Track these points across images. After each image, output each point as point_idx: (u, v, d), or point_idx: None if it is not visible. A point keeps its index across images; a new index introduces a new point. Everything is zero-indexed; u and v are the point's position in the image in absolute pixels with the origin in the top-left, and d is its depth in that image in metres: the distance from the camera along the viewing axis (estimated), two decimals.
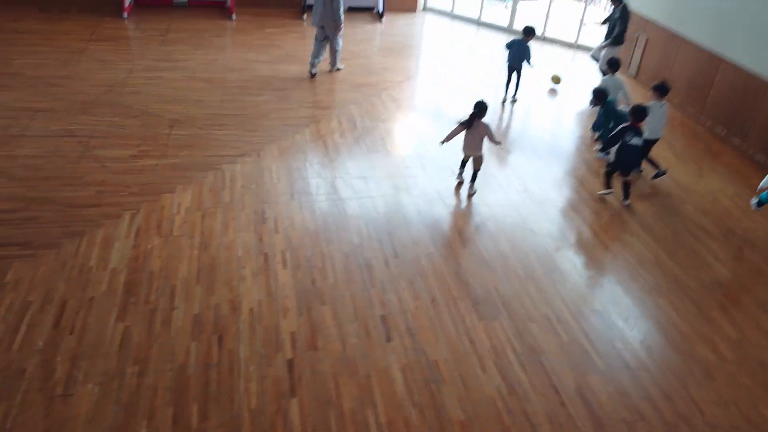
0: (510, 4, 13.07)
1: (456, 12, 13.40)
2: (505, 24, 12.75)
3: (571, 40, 12.02)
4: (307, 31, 11.60)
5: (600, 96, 7.32)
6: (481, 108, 6.20)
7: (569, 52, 11.73)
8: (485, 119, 6.27)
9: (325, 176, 6.47)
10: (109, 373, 3.89)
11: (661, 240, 5.94)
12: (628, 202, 6.49)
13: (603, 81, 7.97)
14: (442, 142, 6.37)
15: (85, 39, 10.01)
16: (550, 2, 12.16)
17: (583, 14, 11.91)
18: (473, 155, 6.43)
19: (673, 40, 9.34)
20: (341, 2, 8.91)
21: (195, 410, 3.69)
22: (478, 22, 13.00)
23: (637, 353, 4.51)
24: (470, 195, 6.42)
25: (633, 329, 4.74)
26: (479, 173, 6.48)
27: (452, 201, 6.20)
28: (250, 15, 12.11)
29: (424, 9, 13.70)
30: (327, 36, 9.07)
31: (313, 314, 4.53)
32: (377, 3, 12.83)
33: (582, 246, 5.73)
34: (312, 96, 8.54)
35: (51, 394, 3.70)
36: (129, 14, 11.42)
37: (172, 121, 7.38)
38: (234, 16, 11.82)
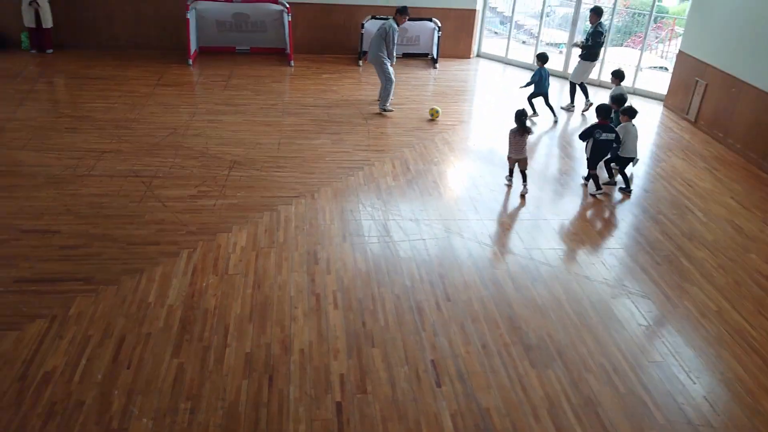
0: (564, 49, 13.09)
1: (509, 57, 13.50)
2: (560, 69, 12.74)
3: (628, 85, 11.90)
4: (363, 76, 11.88)
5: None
6: (524, 114, 7.14)
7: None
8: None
9: (377, 218, 6.52)
10: (162, 408, 3.95)
11: (723, 289, 5.70)
12: (599, 191, 7.36)
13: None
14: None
15: (152, 84, 10.52)
16: (605, 48, 12.12)
17: (640, 60, 11.80)
18: (520, 158, 7.19)
19: (734, 84, 9.14)
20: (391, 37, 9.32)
21: None
22: (532, 68, 13.04)
23: (699, 408, 4.29)
24: (523, 195, 7.18)
25: (695, 383, 4.52)
26: (527, 172, 7.26)
27: (504, 245, 6.13)
28: (308, 61, 12.51)
29: (478, 55, 13.86)
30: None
31: (363, 356, 4.51)
32: (432, 49, 13.06)
33: (640, 294, 5.55)
34: (366, 139, 8.68)
35: (107, 427, 3.78)
36: (194, 61, 11.97)
37: (231, 162, 7.62)
38: (293, 63, 12.23)
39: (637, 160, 8.06)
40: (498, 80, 12.44)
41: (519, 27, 15.69)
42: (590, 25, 10.34)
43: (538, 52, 10.40)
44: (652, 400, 4.31)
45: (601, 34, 10.13)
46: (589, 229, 6.56)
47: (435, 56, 12.89)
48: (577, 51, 10.56)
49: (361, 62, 12.65)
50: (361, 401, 4.11)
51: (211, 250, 5.73)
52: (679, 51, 10.82)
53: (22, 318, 4.69)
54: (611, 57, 12.35)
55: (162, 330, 4.65)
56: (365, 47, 12.79)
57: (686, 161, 8.66)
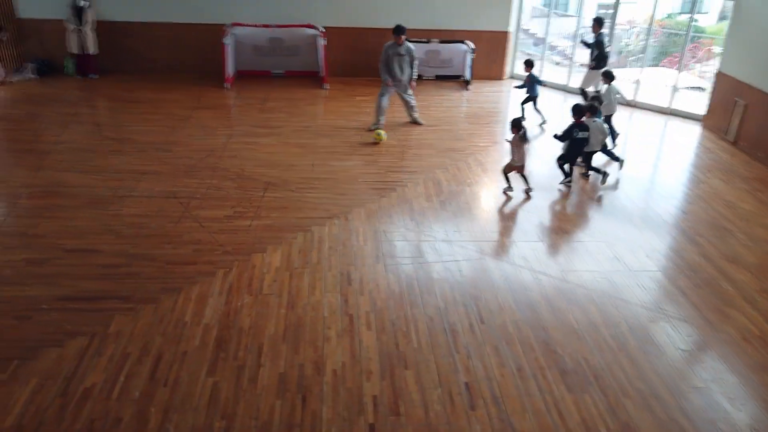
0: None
1: (543, 79, 13.46)
2: (593, 90, 12.65)
3: (664, 105, 11.75)
4: (395, 99, 11.97)
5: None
6: (520, 122, 7.67)
7: (661, 119, 11.45)
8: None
9: (410, 239, 6.52)
10: (197, 426, 3.99)
11: (767, 313, 5.53)
12: (568, 180, 8.08)
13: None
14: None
15: (191, 107, 10.78)
16: (642, 68, 12.02)
17: (677, 79, 11.65)
18: (522, 164, 7.65)
19: None
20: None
21: None
22: (566, 89, 12.98)
23: None
24: (529, 192, 7.69)
25: (740, 410, 4.38)
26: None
27: (539, 267, 6.07)
28: (342, 84, 12.68)
29: (511, 77, 13.86)
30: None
31: (396, 378, 4.50)
32: (464, 71, 13.11)
33: (679, 318, 5.42)
34: (399, 161, 8.73)
35: None
36: (231, 84, 12.24)
37: (266, 183, 7.73)
38: (326, 86, 12.40)
39: (623, 161, 8.69)
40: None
41: (552, 48, 15.66)
42: (593, 35, 10.95)
43: (525, 59, 10.97)
44: (693, 428, 4.19)
45: (604, 43, 10.92)
46: (625, 251, 6.45)
47: (468, 78, 12.93)
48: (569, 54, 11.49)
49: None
50: (394, 423, 4.09)
51: (246, 270, 5.80)
52: (718, 71, 10.65)
53: (64, 335, 4.80)
54: (647, 77, 12.21)
55: (198, 348, 4.71)
56: None
57: (726, 182, 8.48)
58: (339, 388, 4.38)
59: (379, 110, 9.93)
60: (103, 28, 12.29)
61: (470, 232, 6.73)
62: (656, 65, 14.48)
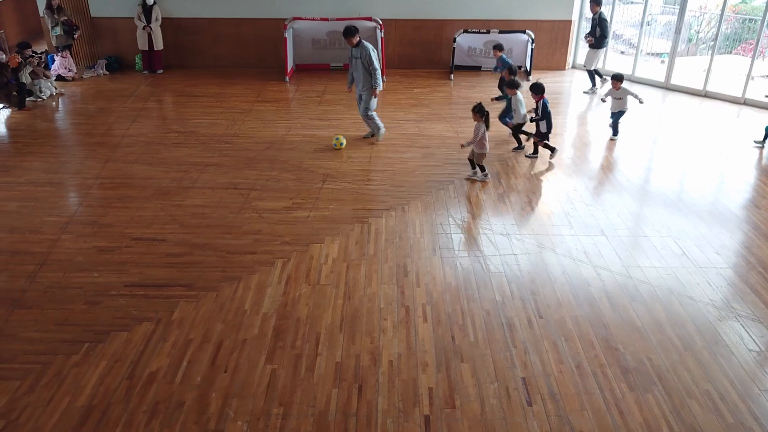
0: (666, 59, 12.53)
1: (607, 68, 13.07)
2: (661, 79, 12.20)
3: (737, 94, 11.21)
4: (454, 90, 11.88)
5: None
6: (482, 108, 7.51)
7: (734, 108, 10.93)
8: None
9: (467, 232, 6.46)
10: (256, 412, 4.08)
11: None
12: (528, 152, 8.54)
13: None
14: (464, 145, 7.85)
15: (251, 100, 11.00)
16: (712, 56, 11.49)
17: (750, 68, 11.09)
18: (483, 152, 7.67)
19: None
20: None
21: None
22: (631, 79, 12.56)
23: None
24: (477, 178, 7.70)
25: None
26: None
27: (600, 262, 5.90)
28: (400, 75, 12.67)
29: (573, 66, 13.52)
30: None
31: (451, 371, 4.47)
32: (525, 61, 12.87)
33: (750, 317, 5.17)
34: (457, 153, 8.65)
35: (205, 427, 3.95)
36: (291, 78, 12.42)
37: (324, 175, 7.81)
38: (384, 78, 12.41)
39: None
40: (594, 93, 12.06)
41: (617, 37, 15.15)
42: (592, 14, 11.34)
43: (494, 44, 10.91)
44: None
45: (606, 21, 11.37)
46: (692, 247, 6.20)
47: (528, 68, 12.69)
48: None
49: (452, 76, 12.66)
50: (450, 416, 4.07)
51: (303, 261, 5.89)
52: None
53: (131, 320, 5.00)
54: (718, 65, 11.66)
55: (257, 337, 4.82)
56: (457, 62, 12.81)
57: None
58: (395, 379, 4.39)
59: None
60: (168, 24, 12.69)
61: (529, 226, 6.61)
62: (729, 53, 13.79)
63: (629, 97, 9.05)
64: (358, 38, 8.41)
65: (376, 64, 8.46)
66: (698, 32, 15.61)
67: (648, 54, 14.01)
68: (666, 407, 4.17)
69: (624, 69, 12.82)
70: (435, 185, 7.59)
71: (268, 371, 4.45)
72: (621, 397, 4.25)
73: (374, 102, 8.78)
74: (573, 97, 11.81)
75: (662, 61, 13.25)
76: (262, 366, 4.50)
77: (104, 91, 11.72)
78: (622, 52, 15.04)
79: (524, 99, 8.74)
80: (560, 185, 7.68)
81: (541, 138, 8.44)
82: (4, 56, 10.57)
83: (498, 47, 10.66)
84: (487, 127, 7.53)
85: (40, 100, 11.11)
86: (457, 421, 4.03)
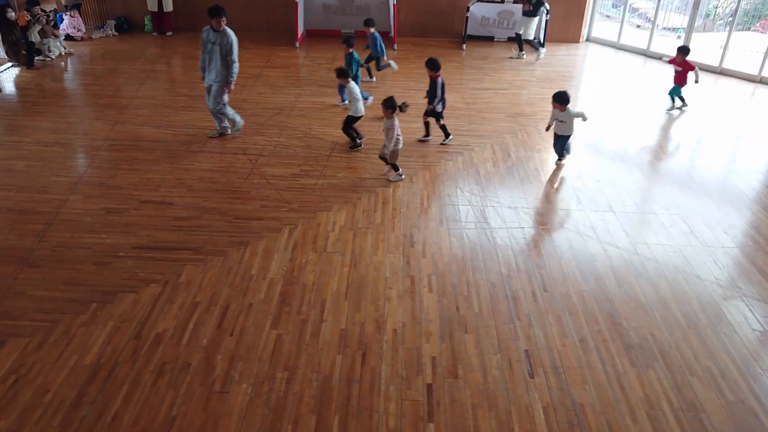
0: (683, 34, 12.32)
1: (622, 42, 12.88)
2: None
3: (754, 72, 11.04)
4: (466, 60, 11.74)
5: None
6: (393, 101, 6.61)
7: (749, 86, 10.77)
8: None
9: (475, 204, 6.45)
10: (261, 376, 4.13)
11: None
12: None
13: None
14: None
15: (261, 66, 10.91)
16: (730, 33, 11.28)
17: None
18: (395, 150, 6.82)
19: None
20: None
21: (336, 422, 3.80)
22: (647, 54, 12.39)
23: None
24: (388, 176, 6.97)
25: None
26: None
27: (607, 238, 5.89)
28: (411, 44, 12.51)
29: (588, 39, 13.33)
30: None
31: (455, 341, 4.50)
32: (539, 33, 12.68)
33: (755, 297, 5.17)
34: (467, 125, 8.59)
35: (210, 389, 4.00)
36: (301, 43, 12.29)
37: (333, 143, 7.78)
38: (396, 46, 12.27)
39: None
40: (609, 66, 11.91)
41: (633, 10, 14.89)
42: None
43: (365, 18, 10.18)
44: (764, 411, 4.02)
45: None
46: (701, 226, 6.17)
47: (542, 40, 12.50)
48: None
49: (464, 46, 12.50)
50: (452, 386, 4.11)
51: (311, 228, 5.90)
52: None
53: (138, 282, 5.04)
54: (735, 41, 11.45)
55: (263, 301, 4.85)
56: (470, 31, 12.64)
57: None
58: (398, 347, 4.43)
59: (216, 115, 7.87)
60: None
61: (537, 200, 6.59)
62: (747, 29, 13.54)
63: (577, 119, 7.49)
64: (225, 22, 7.28)
65: (236, 56, 7.40)
66: (716, 7, 15.33)
67: (664, 29, 13.77)
68: (667, 383, 4.19)
69: (639, 43, 12.64)
70: (444, 156, 7.55)
71: (274, 336, 4.49)
72: (623, 372, 4.27)
73: (226, 96, 7.66)
74: (586, 71, 11.66)
75: (678, 37, 13.02)
76: (267, 330, 4.54)
77: (113, 52, 11.63)
78: (638, 26, 14.80)
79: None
80: (570, 160, 7.62)
81: (434, 116, 7.84)
82: (13, 14, 10.49)
83: (369, 23, 9.83)
84: (402, 109, 6.68)
85: (48, 59, 11.05)
86: (459, 391, 4.07)
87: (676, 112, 9.33)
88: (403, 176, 6.97)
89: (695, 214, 6.39)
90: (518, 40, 11.84)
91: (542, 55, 11.85)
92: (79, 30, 12.31)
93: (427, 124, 8.02)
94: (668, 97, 9.37)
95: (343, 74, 7.75)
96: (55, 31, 11.38)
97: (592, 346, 4.51)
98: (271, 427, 3.74)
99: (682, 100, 9.29)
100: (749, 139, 8.54)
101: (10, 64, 10.57)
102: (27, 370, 4.10)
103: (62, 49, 11.40)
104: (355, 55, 9.04)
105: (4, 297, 4.81)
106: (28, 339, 4.38)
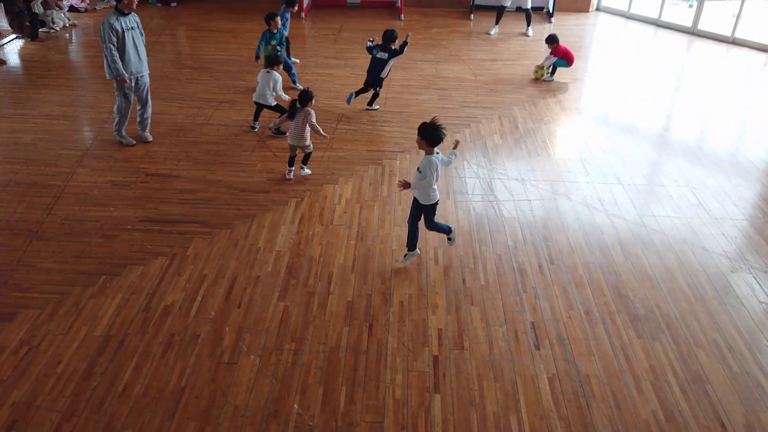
0: (695, 3, 12.09)
1: (632, 11, 12.66)
2: (688, 24, 11.80)
3: (767, 42, 10.85)
4: (473, 31, 11.58)
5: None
6: (304, 96, 6.02)
7: (762, 57, 10.60)
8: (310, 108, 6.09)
9: (482, 176, 6.42)
10: (268, 347, 4.17)
11: None
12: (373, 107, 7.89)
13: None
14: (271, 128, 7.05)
15: None
16: (742, 2, 11.06)
17: None
18: (297, 145, 6.15)
19: None
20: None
21: (343, 392, 3.84)
22: (657, 23, 12.18)
23: None
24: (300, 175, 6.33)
25: None
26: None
27: (615, 210, 5.86)
28: (419, 15, 12.34)
29: (598, 9, 13.11)
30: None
31: (461, 313, 4.52)
32: (547, 2, 12.47)
33: (763, 269, 5.15)
34: (474, 96, 8.51)
35: (219, 360, 4.05)
36: (306, 14, 12.14)
37: (339, 116, 7.73)
38: (402, 16, 12.11)
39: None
40: (619, 36, 11.73)
41: None
42: None
43: None
44: None
45: None
46: (709, 198, 6.13)
47: (550, 10, 12.30)
48: None
49: (472, 16, 12.32)
50: (458, 357, 4.14)
51: (317, 201, 5.90)
52: None
53: (146, 255, 5.07)
54: (748, 10, 11.22)
55: (270, 274, 4.88)
56: (478, 1, 12.44)
57: None
58: (405, 319, 4.46)
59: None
60: None
61: (545, 172, 6.55)
62: None
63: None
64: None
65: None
66: None
67: None
68: (673, 355, 4.21)
69: (650, 12, 12.41)
70: (451, 128, 7.48)
71: (281, 308, 4.53)
72: (628, 344, 4.29)
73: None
74: (596, 41, 11.49)
75: (690, 5, 12.79)
76: (275, 302, 4.57)
77: None
78: None
79: None
80: (578, 132, 7.56)
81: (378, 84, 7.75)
82: None
83: (289, 2, 8.86)
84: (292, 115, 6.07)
85: (53, 31, 10.98)
86: (465, 362, 4.10)
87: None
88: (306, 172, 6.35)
89: (704, 186, 6.35)
90: (527, 17, 11.54)
91: (530, 33, 11.59)
92: (83, 1, 12.20)
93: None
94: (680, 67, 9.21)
95: (274, 62, 7.14)
96: (59, 2, 11.29)
97: (598, 317, 4.53)
98: (278, 398, 3.79)
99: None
100: (760, 111, 8.42)
101: (14, 36, 10.51)
102: (39, 341, 4.16)
103: (66, 20, 11.31)
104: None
105: (14, 269, 4.86)
106: (38, 311, 4.43)
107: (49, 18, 10.94)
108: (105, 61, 6.42)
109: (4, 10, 10.44)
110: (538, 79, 9.06)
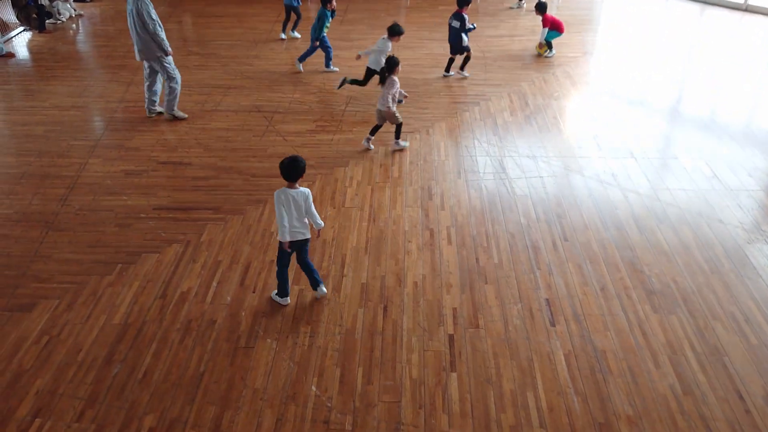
0: None
1: None
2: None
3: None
4: (480, 7, 11.44)
5: None
6: (391, 63, 6.12)
7: None
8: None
9: (493, 155, 6.38)
10: (285, 331, 4.20)
11: None
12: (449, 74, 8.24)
13: None
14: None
15: (272, 20, 10.74)
16: None
17: None
18: (382, 109, 6.27)
19: None
20: (156, 24, 6.62)
21: (360, 373, 3.87)
22: None
23: None
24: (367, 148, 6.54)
25: None
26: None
27: (628, 185, 5.81)
28: None
29: None
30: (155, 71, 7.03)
31: (475, 292, 4.53)
32: None
33: None
34: (483, 73, 8.43)
35: (236, 344, 4.09)
36: None
37: (348, 98, 7.70)
38: None
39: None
40: (628, 9, 11.54)
41: None
42: None
43: None
44: None
45: None
46: (724, 169, 6.05)
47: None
48: None
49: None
50: (473, 336, 4.15)
51: (328, 184, 5.89)
52: None
53: (161, 242, 5.11)
54: None
55: None
56: None
57: None
58: (419, 299, 4.47)
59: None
60: None
61: (556, 148, 6.49)
62: None
63: None
64: None
65: (154, 26, 6.59)
66: None
67: None
68: (690, 329, 4.19)
69: None
70: (460, 107, 7.44)
71: (296, 291, 4.55)
72: (645, 319, 4.28)
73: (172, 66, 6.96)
74: (604, 14, 11.31)
75: None
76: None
77: (123, 12, 11.46)
78: None
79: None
80: (589, 106, 7.47)
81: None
82: None
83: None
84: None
85: (59, 22, 10.98)
86: (480, 340, 4.11)
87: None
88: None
89: (718, 158, 6.27)
90: None
91: (517, 6, 11.45)
92: None
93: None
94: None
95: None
96: None
97: (613, 293, 4.51)
98: (296, 380, 3.82)
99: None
100: None
101: (21, 28, 10.53)
102: (59, 330, 4.22)
103: (72, 11, 11.31)
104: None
105: (32, 261, 4.92)
106: (57, 301, 4.49)
107: (55, 9, 10.94)
108: (155, 39, 6.67)
109: (10, 3, 10.45)
110: (541, 55, 8.97)
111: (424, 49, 9.32)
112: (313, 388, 3.78)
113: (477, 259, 4.86)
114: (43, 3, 10.58)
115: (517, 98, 7.64)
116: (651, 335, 4.14)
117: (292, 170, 4.18)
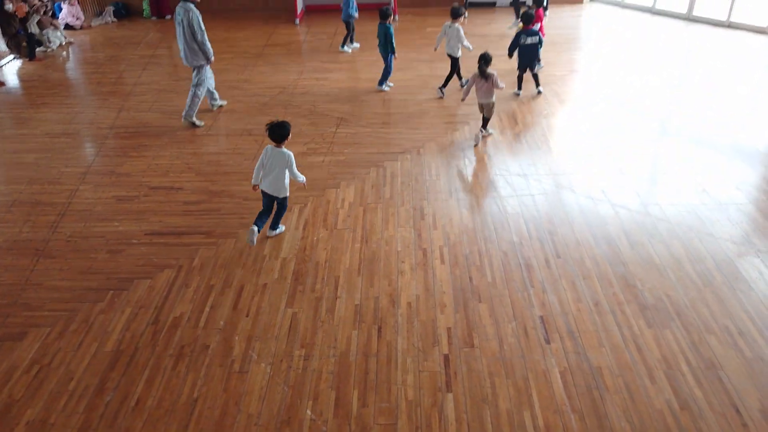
0: None
1: (627, 1, 12.64)
2: (683, 11, 11.79)
3: (763, 25, 10.81)
4: (468, 29, 11.58)
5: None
6: (486, 60, 6.81)
7: (760, 39, 10.56)
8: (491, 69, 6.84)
9: (483, 173, 6.41)
10: (279, 354, 4.17)
11: None
12: (539, 89, 8.31)
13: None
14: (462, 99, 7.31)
15: (262, 44, 10.83)
16: None
17: None
18: (484, 103, 6.94)
19: None
20: (203, 33, 7.23)
21: (355, 396, 3.84)
22: (653, 11, 12.16)
23: None
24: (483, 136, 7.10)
25: None
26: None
27: (619, 200, 5.85)
28: (412, 14, 12.35)
29: (592, 0, 13.09)
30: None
31: (470, 311, 4.52)
32: None
33: None
34: (472, 93, 8.49)
35: (230, 369, 4.06)
36: (301, 20, 12.17)
37: (338, 119, 7.74)
38: (396, 17, 12.11)
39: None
40: (613, 27, 11.71)
41: None
42: None
43: None
44: None
45: None
46: (713, 183, 6.11)
47: (545, 1, 12.29)
48: None
49: (466, 14, 12.31)
50: (468, 355, 4.14)
51: (320, 206, 5.90)
52: None
53: (153, 268, 5.08)
54: None
55: (277, 281, 4.88)
56: None
57: None
58: (413, 319, 4.45)
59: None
60: None
61: (546, 166, 6.54)
62: None
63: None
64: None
65: (202, 36, 7.20)
66: None
67: None
68: (684, 343, 4.19)
69: (644, 0, 12.39)
70: (450, 127, 7.50)
71: (289, 314, 4.53)
72: (639, 334, 4.28)
73: (209, 76, 7.60)
74: (592, 32, 11.47)
75: None
76: (283, 309, 4.58)
77: (113, 39, 11.58)
78: None
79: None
80: (578, 123, 7.54)
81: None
82: (10, 5, 10.44)
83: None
84: (484, 75, 6.87)
85: (49, 49, 11.03)
86: (476, 360, 4.10)
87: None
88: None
89: (707, 172, 6.32)
90: (515, 5, 11.55)
91: (514, 25, 11.56)
92: (78, 18, 12.25)
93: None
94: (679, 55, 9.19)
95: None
96: (54, 21, 11.35)
97: (607, 309, 4.52)
98: (291, 404, 3.79)
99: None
100: (759, 93, 8.39)
101: (11, 56, 10.56)
102: (50, 359, 4.17)
103: (62, 38, 11.37)
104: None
105: (23, 289, 4.88)
106: (48, 329, 4.44)
107: (45, 37, 10.99)
108: (203, 48, 7.25)
109: (0, 32, 10.49)
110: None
111: (413, 70, 9.40)
112: (308, 411, 3.74)
113: (470, 278, 4.86)
114: (33, 31, 10.63)
115: (507, 117, 7.70)
116: (646, 350, 4.14)
117: (278, 132, 5.07)
